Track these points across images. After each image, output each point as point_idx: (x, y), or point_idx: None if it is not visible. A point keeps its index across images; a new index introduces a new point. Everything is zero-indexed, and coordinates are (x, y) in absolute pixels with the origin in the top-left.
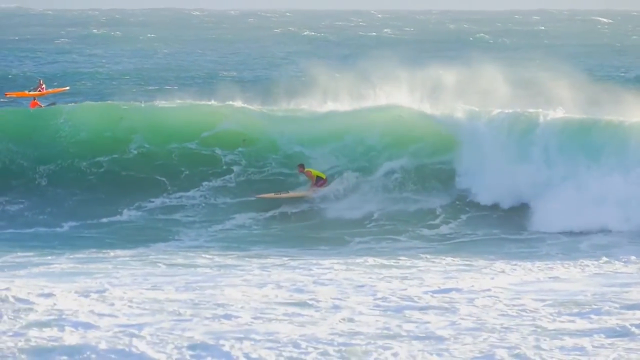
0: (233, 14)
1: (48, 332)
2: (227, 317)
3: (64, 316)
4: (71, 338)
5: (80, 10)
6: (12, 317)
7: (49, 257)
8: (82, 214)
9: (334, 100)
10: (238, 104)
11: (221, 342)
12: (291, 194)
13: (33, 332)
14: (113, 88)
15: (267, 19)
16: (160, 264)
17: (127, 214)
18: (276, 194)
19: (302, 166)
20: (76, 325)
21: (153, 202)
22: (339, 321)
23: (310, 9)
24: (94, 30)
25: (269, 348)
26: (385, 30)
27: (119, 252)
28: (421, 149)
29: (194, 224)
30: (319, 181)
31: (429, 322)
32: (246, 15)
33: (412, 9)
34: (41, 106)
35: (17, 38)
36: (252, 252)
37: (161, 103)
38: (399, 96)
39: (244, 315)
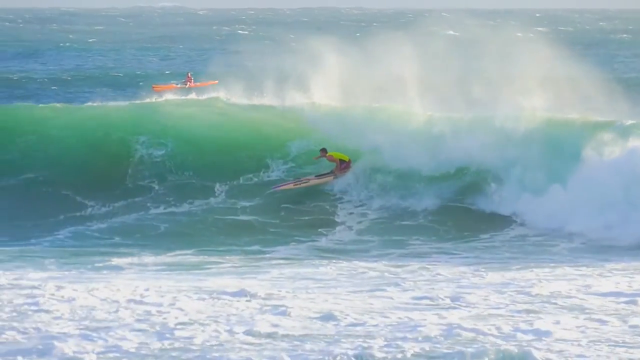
0: (389, 12)
1: None
2: None
3: None
4: None
5: (239, 9)
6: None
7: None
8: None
9: None
10: None
11: None
12: (312, 180)
13: None
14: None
15: (420, 18)
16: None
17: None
18: (296, 184)
19: (324, 150)
20: None
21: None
22: None
23: (466, 8)
24: (239, 31)
25: None
26: (539, 28)
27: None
28: None
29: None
30: (343, 164)
31: None
32: (399, 14)
33: (567, 8)
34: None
35: (171, 35)
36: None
37: None
38: None
39: None
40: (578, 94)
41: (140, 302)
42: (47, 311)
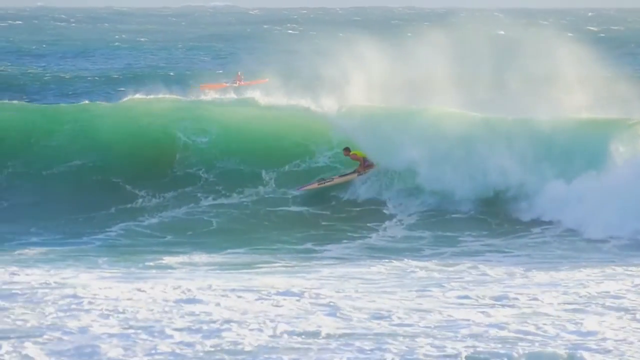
0: (441, 11)
1: None
2: None
3: None
4: None
5: (291, 8)
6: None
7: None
8: None
9: None
10: None
11: None
12: (336, 180)
13: None
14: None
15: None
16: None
17: None
18: (320, 183)
19: (347, 149)
20: None
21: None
22: None
23: (520, 7)
24: (290, 31)
25: None
26: (591, 27)
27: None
28: None
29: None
30: (366, 162)
31: None
32: (451, 13)
33: (620, 7)
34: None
35: (222, 34)
36: None
37: None
38: None
39: None
40: (614, 95)
41: (189, 302)
42: (93, 311)
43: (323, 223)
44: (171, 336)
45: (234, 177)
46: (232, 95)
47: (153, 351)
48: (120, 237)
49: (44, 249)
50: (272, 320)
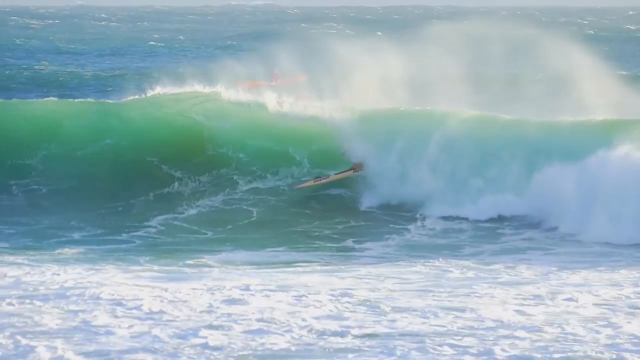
0: (482, 10)
1: None
2: None
3: None
4: None
5: (331, 7)
6: None
7: None
8: None
9: None
10: None
11: None
12: (332, 177)
13: None
14: None
15: (512, 16)
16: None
17: None
18: (315, 181)
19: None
20: None
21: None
22: None
23: (560, 6)
24: (328, 30)
25: None
26: (629, 27)
27: None
28: None
29: None
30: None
31: None
32: (491, 12)
33: None
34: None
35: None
36: None
37: None
38: None
39: None
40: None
41: (226, 303)
42: (128, 313)
43: (362, 210)
44: (205, 337)
45: (266, 157)
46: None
47: (186, 353)
48: (160, 235)
49: (83, 248)
50: (304, 320)
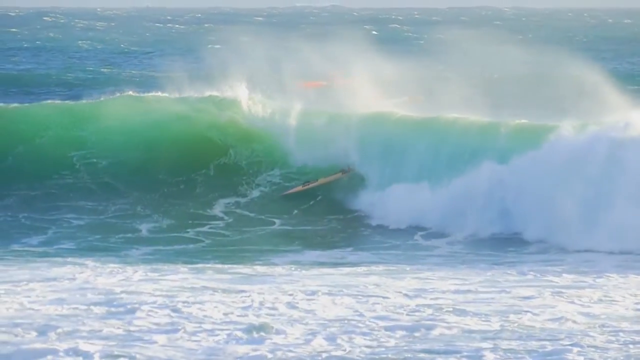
0: (547, 12)
1: None
2: None
3: None
4: None
5: (398, 8)
6: None
7: None
8: None
9: None
10: None
11: None
12: (321, 180)
13: None
14: None
15: (580, 17)
16: None
17: None
18: (304, 186)
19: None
20: None
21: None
22: None
23: (626, 8)
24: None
25: None
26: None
27: None
28: None
29: None
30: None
31: None
32: (558, 13)
33: None
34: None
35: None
36: None
37: None
38: None
39: None
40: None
41: (291, 307)
42: (191, 317)
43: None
44: (275, 343)
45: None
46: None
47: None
48: (227, 231)
49: (150, 248)
50: (369, 321)
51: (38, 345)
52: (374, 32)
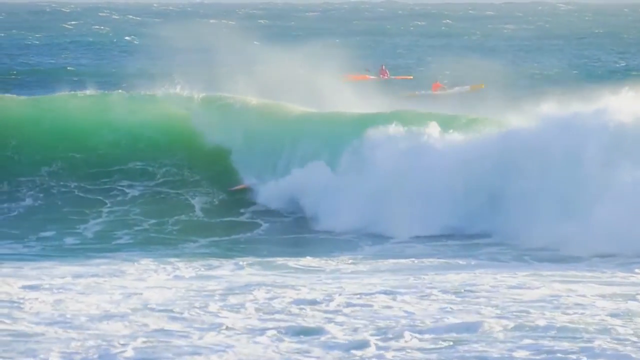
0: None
1: None
2: None
3: None
4: None
5: (452, 3)
6: None
7: None
8: None
9: None
10: None
11: None
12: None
13: None
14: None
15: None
16: None
17: None
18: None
19: None
20: None
21: None
22: None
23: None
24: (443, 27)
25: None
26: None
27: None
28: None
29: None
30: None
31: None
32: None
33: None
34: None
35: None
36: None
37: None
38: None
39: None
40: None
41: (348, 306)
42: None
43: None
44: (336, 345)
45: None
46: None
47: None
48: (263, 233)
49: (205, 241)
50: (436, 320)
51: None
52: (419, 24)
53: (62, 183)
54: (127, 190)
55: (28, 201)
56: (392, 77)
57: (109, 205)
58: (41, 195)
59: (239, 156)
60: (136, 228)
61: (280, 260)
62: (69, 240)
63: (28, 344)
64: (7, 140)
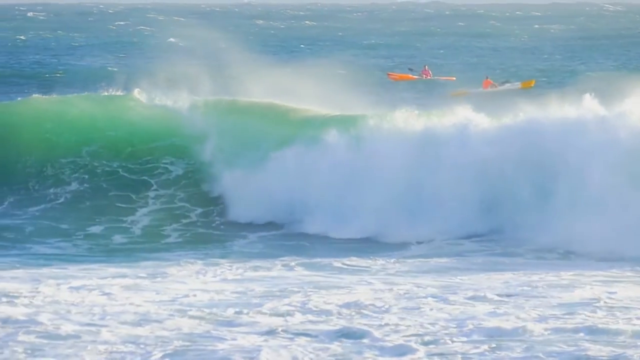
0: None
1: None
2: None
3: None
4: None
5: (497, 4)
6: None
7: None
8: None
9: None
10: None
11: None
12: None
13: None
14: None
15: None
16: None
17: None
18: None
19: None
20: None
21: None
22: None
23: None
24: (488, 29)
25: None
26: None
27: None
28: None
29: None
30: None
31: None
32: None
33: None
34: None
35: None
36: None
37: None
38: None
39: None
40: None
41: (380, 312)
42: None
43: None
44: (381, 347)
45: None
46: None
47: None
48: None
49: (254, 236)
50: (465, 326)
51: None
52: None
53: (104, 162)
54: (171, 168)
55: (74, 185)
56: (435, 77)
57: (154, 187)
58: (86, 177)
59: None
60: (184, 221)
61: (326, 261)
62: (117, 238)
63: (59, 349)
64: (43, 124)
